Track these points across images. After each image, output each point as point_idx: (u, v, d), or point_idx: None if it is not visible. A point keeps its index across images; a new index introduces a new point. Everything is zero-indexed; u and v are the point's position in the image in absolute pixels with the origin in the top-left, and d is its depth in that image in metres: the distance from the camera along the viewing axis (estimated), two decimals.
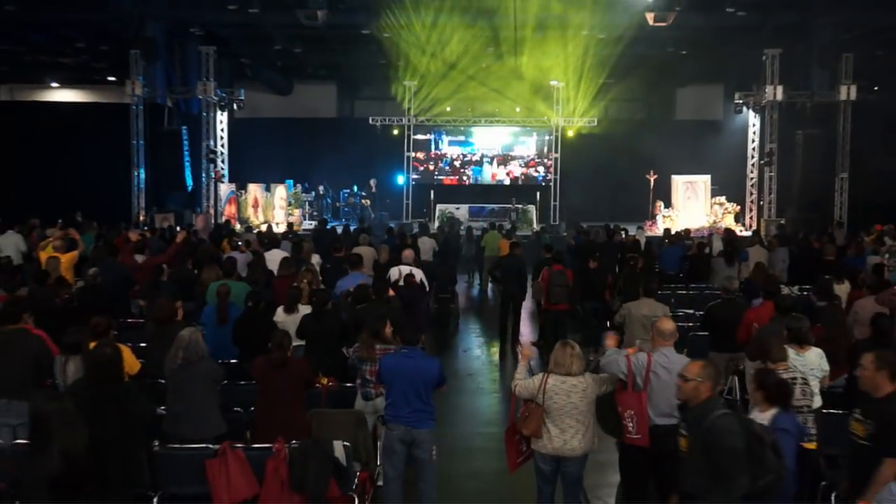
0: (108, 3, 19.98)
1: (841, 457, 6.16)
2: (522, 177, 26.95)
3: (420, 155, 26.76)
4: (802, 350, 6.39)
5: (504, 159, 27.14)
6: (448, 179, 27.03)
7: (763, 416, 5.07)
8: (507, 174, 27.09)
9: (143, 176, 22.02)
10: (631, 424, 5.80)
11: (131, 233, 15.45)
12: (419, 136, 26.52)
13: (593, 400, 5.74)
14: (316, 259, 11.84)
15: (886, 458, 4.63)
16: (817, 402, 6.39)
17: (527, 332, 13.19)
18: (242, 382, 7.05)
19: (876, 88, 26.45)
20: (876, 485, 4.61)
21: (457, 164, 27.15)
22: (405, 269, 10.42)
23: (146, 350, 7.28)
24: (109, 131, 22.57)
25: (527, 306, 13.38)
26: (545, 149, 26.58)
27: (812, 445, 5.72)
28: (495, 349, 12.55)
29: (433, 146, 27.11)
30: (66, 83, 30.31)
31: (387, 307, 7.91)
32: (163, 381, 6.49)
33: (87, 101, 30.10)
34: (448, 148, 27.24)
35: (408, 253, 11.49)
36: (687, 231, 18.57)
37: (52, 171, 22.67)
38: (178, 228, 17.55)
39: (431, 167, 27.01)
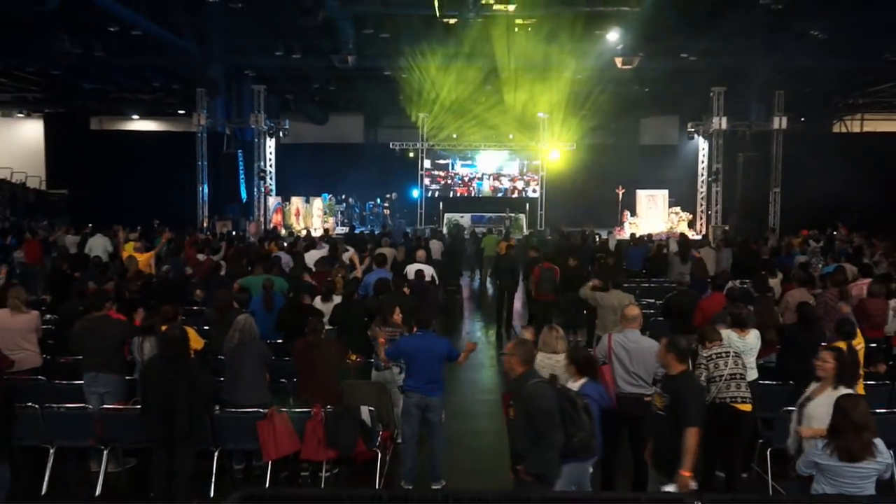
0: (179, 50, 20.01)
1: (774, 419, 6.14)
2: (513, 191, 26.91)
3: (441, 173, 26.82)
4: (743, 333, 6.35)
5: (498, 176, 27.15)
6: (460, 190, 27.09)
7: (575, 385, 5.06)
8: (499, 188, 27.06)
9: (206, 191, 22.04)
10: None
11: (197, 235, 15.51)
12: (440, 161, 26.64)
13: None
14: (349, 253, 11.72)
15: (687, 428, 4.57)
16: (753, 374, 6.36)
17: (518, 318, 13.18)
18: (286, 359, 7.07)
19: (803, 119, 26.40)
20: (687, 453, 4.53)
21: (465, 179, 27.18)
22: (418, 267, 10.41)
23: (207, 332, 7.28)
24: (179, 154, 22.62)
25: (519, 297, 13.36)
26: (525, 169, 26.71)
27: (747, 407, 5.65)
28: (493, 331, 12.53)
29: (450, 167, 27.15)
30: (144, 115, 30.41)
31: (402, 298, 7.90)
32: (221, 357, 6.50)
33: (161, 129, 30.19)
34: (460, 168, 27.31)
35: (420, 253, 11.47)
36: (649, 235, 18.50)
37: (133, 187, 22.73)
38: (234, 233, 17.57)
39: (449, 182, 27.08)
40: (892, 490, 5.59)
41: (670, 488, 4.59)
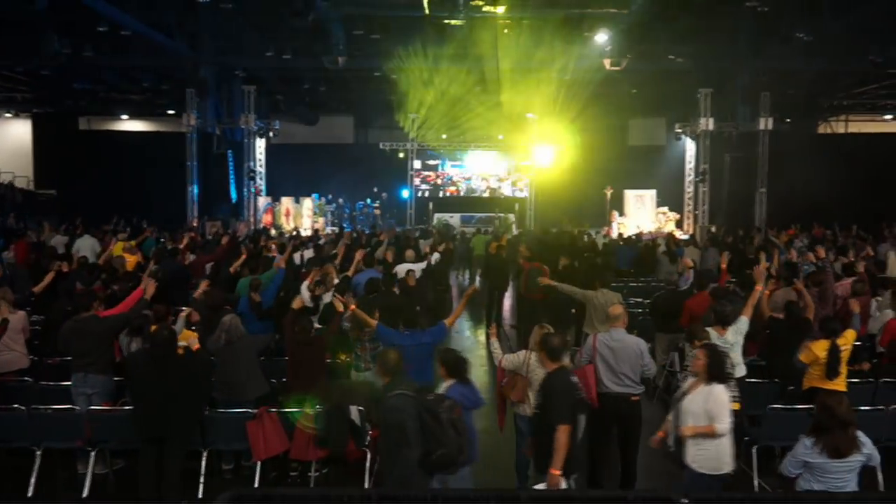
0: (169, 51, 19.90)
1: (760, 417, 6.17)
2: (501, 191, 26.94)
3: (430, 173, 26.80)
4: (723, 331, 6.35)
5: (487, 177, 27.16)
6: (450, 190, 27.09)
7: (443, 386, 4.99)
8: (488, 188, 27.07)
9: (196, 191, 21.92)
10: (583, 392, 5.78)
11: (187, 234, 15.42)
12: (429, 161, 26.61)
13: None
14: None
15: (557, 426, 4.50)
16: (740, 371, 6.38)
17: (507, 316, 13.16)
18: (276, 358, 7.02)
19: (788, 120, 26.54)
20: (557, 450, 4.46)
21: (455, 179, 27.15)
22: (409, 266, 10.37)
23: (197, 332, 7.21)
24: (169, 155, 22.48)
25: (508, 296, 13.34)
26: (513, 169, 26.84)
27: (736, 406, 5.68)
28: (482, 330, 12.52)
29: (440, 167, 27.16)
30: (134, 115, 30.19)
31: (391, 297, 7.87)
32: (213, 357, 6.46)
33: (151, 130, 30.00)
34: (450, 169, 27.30)
35: (409, 253, 11.44)
36: (639, 235, 18.56)
37: (122, 187, 22.57)
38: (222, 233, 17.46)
39: (438, 182, 27.07)
40: (874, 476, 5.65)
41: (541, 486, 4.51)
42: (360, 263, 9.66)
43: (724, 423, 4.67)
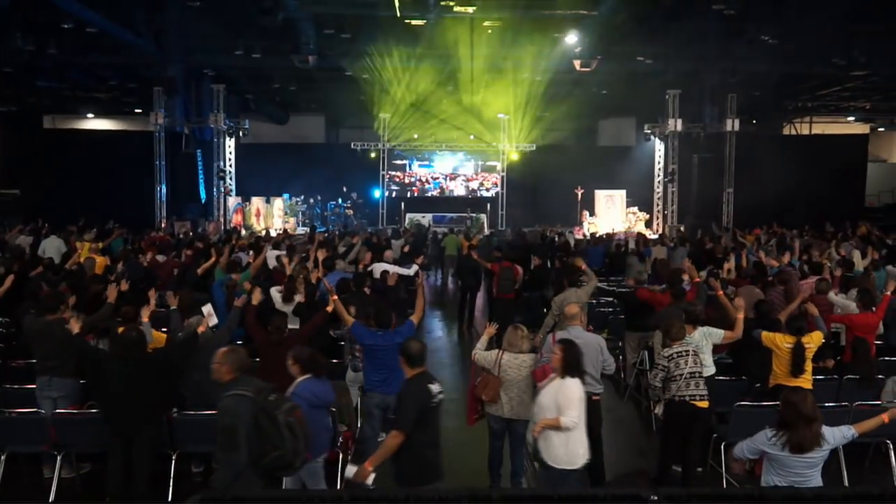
0: (136, 49, 19.60)
1: (728, 414, 6.26)
2: (469, 191, 26.99)
3: (399, 173, 26.72)
4: (692, 330, 6.43)
5: (455, 177, 27.20)
6: (417, 191, 27.03)
7: (296, 382, 4.99)
8: (456, 188, 27.09)
9: (164, 191, 21.64)
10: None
11: (154, 235, 15.20)
12: (397, 161, 26.51)
13: None
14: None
15: (393, 429, 4.49)
16: (710, 370, 6.47)
17: (480, 317, 13.19)
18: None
19: (754, 122, 27.02)
20: (382, 449, 4.47)
21: (423, 179, 27.13)
22: (384, 266, 10.34)
23: (169, 333, 7.12)
24: (136, 154, 22.19)
25: (480, 296, 13.38)
26: (480, 169, 26.90)
27: (704, 404, 5.79)
28: (454, 331, 12.53)
29: (408, 168, 27.08)
30: (100, 114, 29.71)
31: (362, 297, 7.84)
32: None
33: (118, 129, 29.54)
34: (418, 169, 27.27)
35: (388, 254, 11.43)
36: (609, 235, 18.72)
37: (88, 187, 22.10)
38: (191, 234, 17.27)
39: (407, 182, 26.99)
40: (839, 472, 5.76)
41: (350, 470, 4.49)
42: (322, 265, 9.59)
43: (572, 417, 4.71)
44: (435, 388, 4.63)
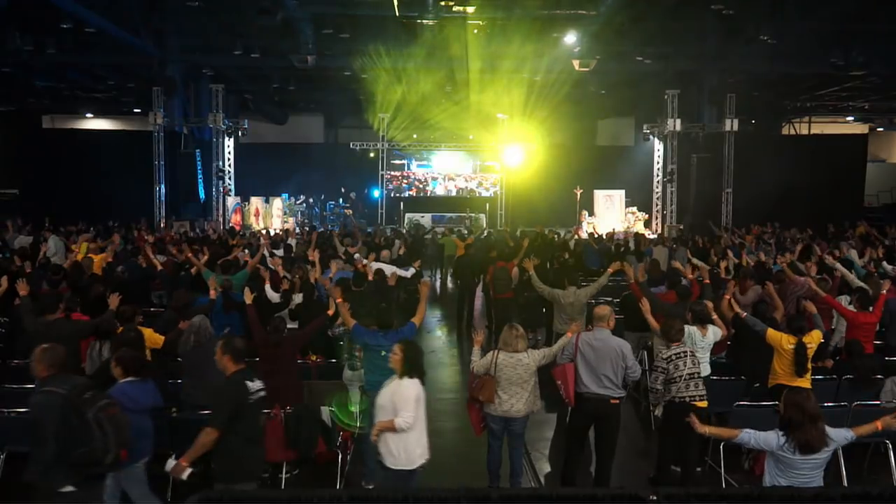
0: (135, 49, 19.58)
1: (726, 414, 6.27)
2: (468, 191, 26.97)
3: (397, 173, 26.68)
4: (704, 330, 6.45)
5: (453, 177, 27.18)
6: (415, 191, 27.00)
7: (119, 385, 4.89)
8: (455, 188, 27.06)
9: (163, 191, 21.64)
10: (561, 390, 5.85)
11: (147, 235, 15.18)
12: (395, 161, 26.45)
13: (534, 371, 5.75)
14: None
15: (207, 426, 4.47)
16: (706, 370, 6.48)
17: (478, 316, 13.19)
18: (247, 359, 6.92)
19: (753, 122, 27.02)
20: (195, 446, 4.44)
21: (421, 179, 27.12)
22: (380, 266, 10.33)
23: (166, 333, 7.12)
24: (135, 154, 22.15)
25: (479, 296, 13.38)
26: (478, 169, 26.89)
27: (703, 404, 5.80)
28: (453, 331, 12.52)
29: (406, 167, 27.06)
30: (99, 114, 29.69)
31: (361, 297, 7.85)
32: (179, 358, 6.38)
33: (117, 128, 29.51)
34: (416, 169, 27.25)
35: (385, 253, 11.42)
36: (609, 235, 18.72)
37: (88, 187, 22.10)
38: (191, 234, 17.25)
39: (405, 182, 26.97)
40: (839, 471, 5.77)
41: (169, 464, 4.50)
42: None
43: (405, 418, 4.68)
44: (254, 385, 4.65)
